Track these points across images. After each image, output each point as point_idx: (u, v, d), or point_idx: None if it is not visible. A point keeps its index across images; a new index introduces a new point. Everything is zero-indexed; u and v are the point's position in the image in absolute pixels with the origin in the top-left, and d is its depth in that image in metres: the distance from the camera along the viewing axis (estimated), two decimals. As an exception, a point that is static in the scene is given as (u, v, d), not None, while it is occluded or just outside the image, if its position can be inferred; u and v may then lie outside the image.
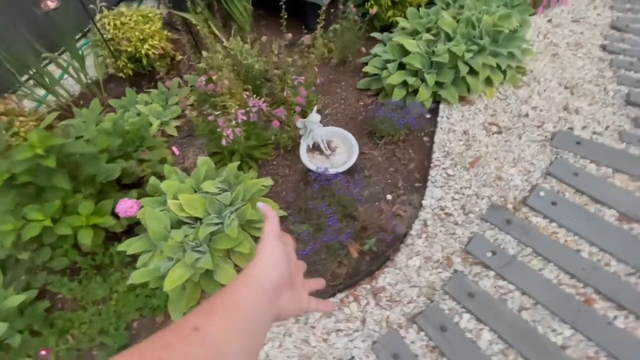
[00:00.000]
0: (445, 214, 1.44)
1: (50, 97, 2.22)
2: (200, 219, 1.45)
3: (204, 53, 1.95)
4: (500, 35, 1.78)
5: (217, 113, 1.52)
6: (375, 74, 1.99)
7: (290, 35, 2.02)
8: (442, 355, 1.14)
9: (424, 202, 1.48)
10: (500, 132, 1.69)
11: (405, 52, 1.86)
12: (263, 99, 1.63)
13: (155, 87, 2.26)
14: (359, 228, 1.41)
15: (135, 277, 1.33)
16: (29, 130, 1.99)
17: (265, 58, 2.26)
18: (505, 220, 1.37)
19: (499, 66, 1.78)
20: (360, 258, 1.38)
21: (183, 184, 1.53)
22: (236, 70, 1.91)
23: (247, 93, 1.59)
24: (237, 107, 1.52)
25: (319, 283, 0.49)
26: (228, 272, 1.40)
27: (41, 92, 2.22)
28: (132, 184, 1.73)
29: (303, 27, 2.49)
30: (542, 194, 1.42)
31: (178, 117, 2.15)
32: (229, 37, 2.36)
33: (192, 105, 1.93)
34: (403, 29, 2.04)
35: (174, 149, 1.95)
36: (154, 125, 2.02)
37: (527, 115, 1.75)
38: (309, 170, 1.58)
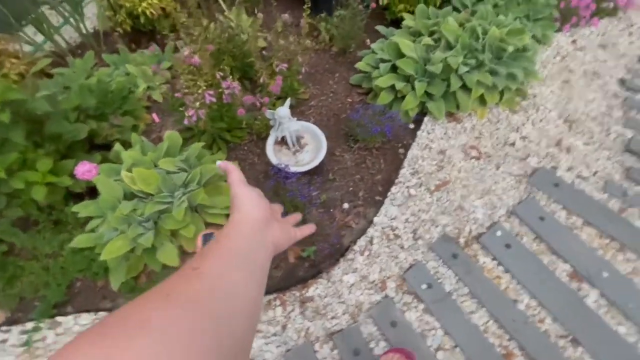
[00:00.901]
0: (395, 235, 1.37)
1: (49, 44, 2.18)
2: (152, 195, 1.43)
3: (203, 21, 1.85)
4: (504, 52, 1.60)
5: (185, 90, 1.45)
6: (368, 72, 1.85)
7: (286, 15, 1.88)
8: (350, 377, 1.12)
9: (376, 219, 1.40)
10: (478, 158, 1.56)
11: (400, 54, 1.71)
12: (236, 81, 1.54)
13: (156, 44, 2.18)
14: (304, 233, 1.36)
15: (79, 241, 1.34)
16: (19, 73, 1.99)
17: (264, 35, 2.14)
18: (452, 254, 1.29)
19: (495, 86, 1.62)
20: (298, 263, 1.34)
21: (144, 157, 1.51)
22: (222, 45, 1.80)
23: (222, 73, 1.50)
24: (204, 87, 1.45)
25: (294, 217, 0.52)
26: (170, 252, 1.40)
27: (40, 37, 2.19)
28: (104, 146, 1.72)
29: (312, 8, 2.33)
30: (499, 233, 1.32)
31: (167, 83, 2.09)
32: (232, 5, 2.24)
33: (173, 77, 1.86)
34: (408, 27, 1.87)
35: (154, 115, 1.91)
36: (140, 88, 1.96)
37: (513, 144, 1.60)
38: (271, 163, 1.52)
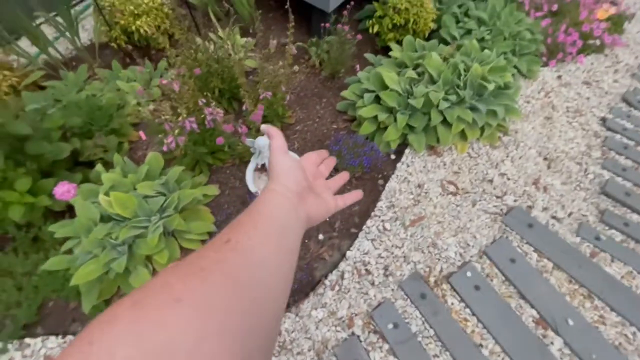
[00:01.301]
0: (366, 270, 1.36)
1: (43, 56, 2.20)
2: (129, 218, 1.43)
3: (197, 40, 1.86)
4: (485, 90, 1.61)
5: (166, 117, 1.46)
6: (354, 100, 1.86)
7: (275, 42, 1.89)
8: (311, 416, 1.11)
9: (349, 253, 1.40)
10: (455, 194, 1.56)
11: (384, 85, 1.72)
12: (222, 104, 1.54)
13: (150, 61, 2.19)
14: (276, 265, 1.36)
15: (52, 263, 1.33)
16: (11, 85, 1.99)
17: (257, 55, 2.15)
18: (421, 293, 1.28)
19: (475, 122, 1.62)
20: (268, 296, 1.33)
21: (124, 179, 1.51)
22: (211, 67, 1.81)
23: (204, 100, 1.50)
24: (185, 115, 1.45)
25: (342, 177, 0.52)
26: (144, 276, 1.39)
27: (34, 49, 2.20)
28: (88, 162, 1.72)
29: (309, 30, 2.36)
30: (469, 274, 1.32)
31: (156, 100, 2.10)
32: (225, 27, 2.25)
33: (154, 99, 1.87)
34: (394, 58, 1.88)
35: (142, 133, 1.91)
36: (129, 105, 1.98)
37: (491, 181, 1.60)
38: (248, 190, 1.52)
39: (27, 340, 1.31)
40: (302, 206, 0.38)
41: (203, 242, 1.49)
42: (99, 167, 1.56)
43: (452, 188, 1.58)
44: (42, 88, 2.06)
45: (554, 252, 1.37)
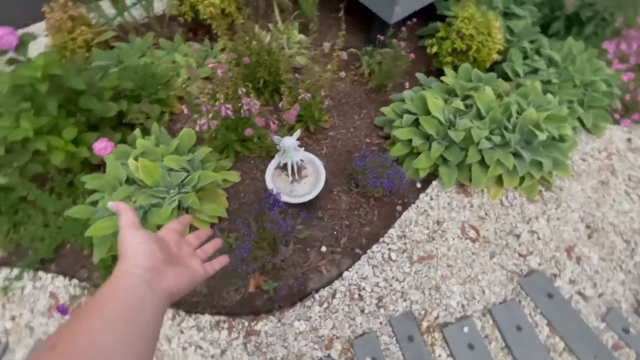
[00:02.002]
0: (359, 295, 1.31)
1: (118, 19, 2.36)
2: (150, 187, 1.50)
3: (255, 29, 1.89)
4: (535, 138, 1.46)
5: (203, 99, 1.50)
6: (393, 119, 1.79)
7: (329, 44, 1.86)
8: None
9: (346, 273, 1.35)
10: (475, 241, 1.45)
11: (427, 110, 1.63)
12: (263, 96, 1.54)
13: (210, 40, 2.27)
14: (272, 266, 1.35)
15: (75, 211, 1.43)
16: (85, 40, 2.16)
17: (307, 54, 2.14)
18: (409, 335, 1.21)
19: (516, 169, 1.49)
20: (257, 294, 1.33)
21: (156, 148, 1.58)
22: (261, 57, 1.83)
23: (244, 89, 1.52)
24: (222, 100, 1.48)
25: (212, 245, 0.51)
26: (150, 243, 1.46)
27: (112, 12, 2.37)
28: (131, 125, 1.82)
29: (367, 37, 2.31)
30: (466, 329, 1.22)
31: (207, 78, 2.17)
32: (286, 20, 2.27)
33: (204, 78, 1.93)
34: (446, 83, 1.77)
35: (184, 107, 1.99)
36: (180, 78, 2.06)
37: (518, 236, 1.46)
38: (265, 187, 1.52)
39: (40, 273, 1.43)
40: (159, 280, 0.36)
41: (212, 224, 1.52)
42: (137, 132, 1.64)
43: (472, 233, 1.47)
44: (111, 48, 2.21)
45: (570, 332, 1.23)
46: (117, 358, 0.29)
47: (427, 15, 2.24)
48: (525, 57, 1.93)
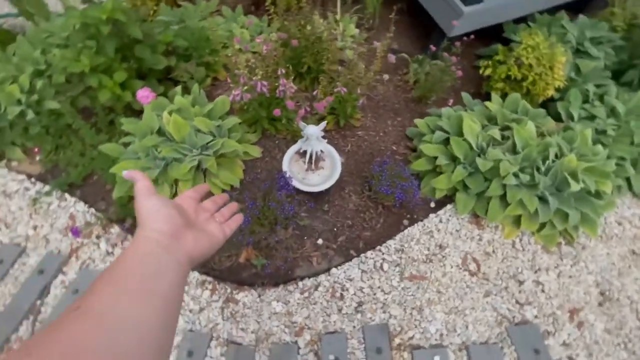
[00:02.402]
0: (341, 295, 1.32)
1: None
2: (176, 142, 1.59)
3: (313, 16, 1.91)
4: (568, 187, 1.37)
5: (243, 71, 1.55)
6: (423, 133, 1.75)
7: (379, 44, 1.82)
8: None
9: (334, 270, 1.36)
10: (473, 275, 1.40)
11: (460, 132, 1.57)
12: (292, 83, 1.57)
13: (269, 16, 2.32)
14: (266, 244, 1.40)
15: (106, 147, 1.56)
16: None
17: (357, 49, 2.13)
18: (378, 347, 1.20)
19: (537, 214, 1.40)
20: (245, 266, 1.38)
21: (191, 108, 1.66)
22: (309, 43, 1.85)
23: (284, 70, 1.55)
24: (260, 77, 1.52)
25: (230, 208, 0.52)
26: (164, 194, 1.55)
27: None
28: (176, 82, 1.93)
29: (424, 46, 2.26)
30: (437, 358, 1.19)
31: (255, 53, 2.23)
32: (346, 12, 2.26)
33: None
34: (489, 109, 1.70)
35: (228, 75, 2.07)
36: (232, 47, 2.14)
37: (521, 282, 1.39)
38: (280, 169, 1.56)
39: (67, 195, 1.58)
40: (179, 245, 0.36)
41: (223, 191, 1.59)
42: (178, 89, 1.74)
43: (473, 266, 1.41)
44: (179, 6, 2.34)
45: (547, 394, 1.16)
46: (137, 325, 0.28)
47: (493, 35, 2.14)
48: (585, 101, 1.80)
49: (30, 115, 1.63)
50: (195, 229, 0.41)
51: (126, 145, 1.65)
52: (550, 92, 1.76)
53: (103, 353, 0.25)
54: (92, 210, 1.53)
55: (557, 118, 1.77)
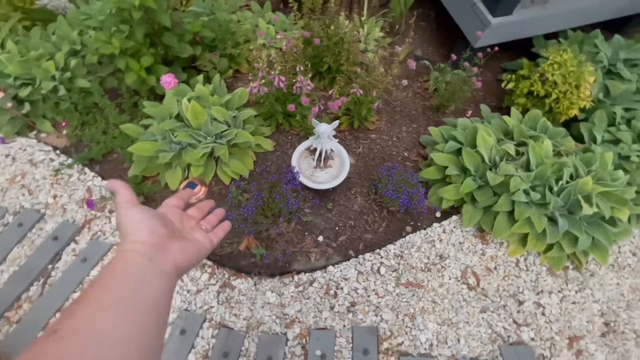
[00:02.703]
0: (335, 293, 1.33)
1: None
2: (193, 128, 1.65)
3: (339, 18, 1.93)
4: (579, 210, 1.33)
5: (263, 65, 1.59)
6: (436, 141, 1.73)
7: (400, 49, 1.81)
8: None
9: (331, 268, 1.38)
10: (471, 289, 1.38)
11: (474, 144, 1.55)
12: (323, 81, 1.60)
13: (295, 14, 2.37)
14: (267, 235, 1.43)
15: (127, 127, 1.63)
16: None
17: (379, 52, 2.14)
18: (365, 348, 1.21)
19: (545, 235, 1.37)
20: (244, 254, 1.42)
21: (210, 97, 1.72)
22: (331, 43, 1.87)
23: (302, 67, 1.58)
24: (278, 72, 1.55)
25: (215, 215, 0.51)
26: (176, 177, 1.61)
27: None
28: (199, 70, 2.00)
29: (448, 54, 2.24)
30: (424, 368, 1.18)
31: (278, 48, 2.28)
32: (372, 15, 2.27)
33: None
34: (506, 123, 1.66)
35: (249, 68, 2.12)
36: (256, 41, 2.19)
37: (521, 302, 1.36)
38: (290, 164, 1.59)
39: (86, 169, 1.66)
40: (164, 255, 0.35)
41: (232, 179, 1.64)
42: (200, 77, 1.80)
43: (472, 281, 1.39)
44: (211, -3, 2.41)
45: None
46: (120, 342, 0.27)
47: (522, 49, 2.10)
48: (611, 124, 1.73)
49: (62, 91, 1.73)
50: (181, 238, 0.40)
51: (146, 127, 1.72)
52: (574, 112, 1.71)
53: None
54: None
55: (579, 139, 1.72)
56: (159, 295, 0.33)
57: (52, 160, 1.68)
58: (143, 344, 0.29)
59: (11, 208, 1.54)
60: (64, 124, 1.76)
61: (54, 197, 1.57)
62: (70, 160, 1.69)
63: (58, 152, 1.72)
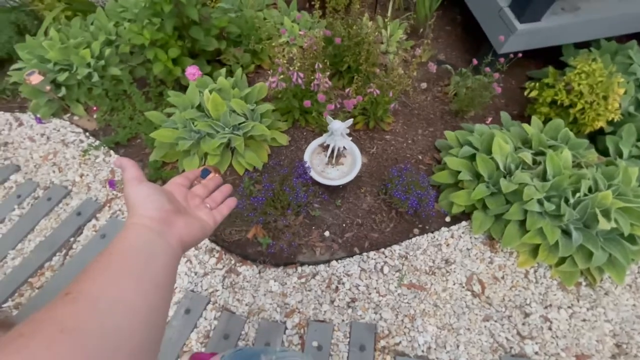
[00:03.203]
0: (336, 287, 1.35)
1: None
2: (212, 118, 1.71)
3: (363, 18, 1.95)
4: (596, 225, 1.28)
5: (283, 61, 1.63)
6: (451, 146, 1.71)
7: (421, 51, 1.81)
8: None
9: (335, 263, 1.40)
10: (476, 296, 1.35)
11: (489, 150, 1.53)
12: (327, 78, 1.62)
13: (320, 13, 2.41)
14: (275, 226, 1.46)
15: (151, 115, 1.72)
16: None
17: (401, 54, 2.14)
18: (362, 344, 1.22)
19: (557, 248, 1.33)
20: (251, 242, 1.46)
21: (231, 89, 1.78)
22: (352, 43, 1.89)
23: (321, 65, 1.61)
24: (297, 68, 1.59)
25: (222, 192, 0.50)
26: (194, 164, 1.69)
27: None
28: (223, 64, 2.07)
29: (468, 59, 2.21)
30: (419, 369, 1.18)
31: (300, 46, 2.32)
32: (396, 17, 2.28)
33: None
34: (526, 132, 1.63)
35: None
36: (279, 40, 2.25)
37: (527, 315, 1.32)
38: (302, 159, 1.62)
39: (112, 152, 1.76)
40: (171, 231, 0.36)
41: (246, 170, 1.69)
42: (222, 71, 1.87)
43: (477, 288, 1.37)
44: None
45: None
46: (128, 309, 0.28)
47: (550, 57, 2.04)
48: (640, 139, 1.65)
49: (95, 77, 1.84)
50: (186, 215, 0.41)
51: (169, 115, 1.81)
52: (601, 124, 1.65)
53: (93, 334, 0.25)
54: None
55: (604, 152, 1.66)
56: (165, 268, 0.33)
57: (81, 141, 1.80)
58: (150, 316, 0.30)
59: (42, 183, 1.66)
60: (95, 108, 1.87)
61: (81, 175, 1.68)
62: (97, 143, 1.80)
63: (87, 134, 1.83)
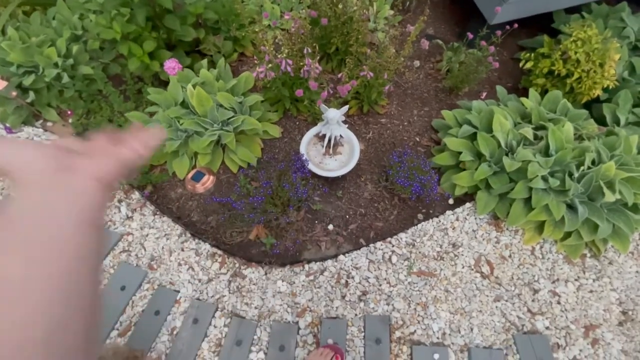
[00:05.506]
0: (346, 282, 1.32)
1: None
2: (199, 115, 1.61)
3: None
4: (601, 197, 1.27)
5: (269, 48, 1.52)
6: (449, 126, 1.66)
7: (412, 28, 1.72)
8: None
9: (342, 257, 1.36)
10: (485, 277, 1.35)
11: (489, 128, 1.49)
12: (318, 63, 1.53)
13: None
14: (277, 224, 1.41)
15: (133, 115, 1.60)
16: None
17: (389, 32, 2.04)
18: (377, 338, 1.20)
19: (563, 222, 1.32)
20: (255, 243, 1.40)
21: (215, 82, 1.67)
22: (339, 23, 1.78)
23: (309, 49, 1.51)
24: (285, 55, 1.49)
25: (154, 135, 0.37)
26: (184, 165, 1.59)
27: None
28: (203, 54, 1.94)
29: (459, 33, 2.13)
30: (436, 356, 1.17)
31: (285, 30, 2.19)
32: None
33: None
34: (524, 106, 1.58)
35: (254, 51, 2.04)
36: (261, 23, 2.11)
37: (536, 291, 1.33)
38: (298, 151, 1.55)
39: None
40: (74, 173, 0.29)
41: (240, 168, 1.61)
42: (204, 62, 1.74)
43: (486, 269, 1.36)
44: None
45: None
46: (19, 277, 0.23)
47: (540, 25, 1.98)
48: (636, 105, 1.64)
49: (65, 78, 1.69)
50: (92, 156, 0.32)
51: (152, 114, 1.69)
52: (597, 92, 1.61)
53: None
54: (116, 175, 1.59)
55: (601, 121, 1.63)
56: (75, 220, 0.27)
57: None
58: (53, 284, 0.24)
59: (22, 198, 1.54)
60: (69, 112, 1.73)
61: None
62: (77, 150, 1.67)
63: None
